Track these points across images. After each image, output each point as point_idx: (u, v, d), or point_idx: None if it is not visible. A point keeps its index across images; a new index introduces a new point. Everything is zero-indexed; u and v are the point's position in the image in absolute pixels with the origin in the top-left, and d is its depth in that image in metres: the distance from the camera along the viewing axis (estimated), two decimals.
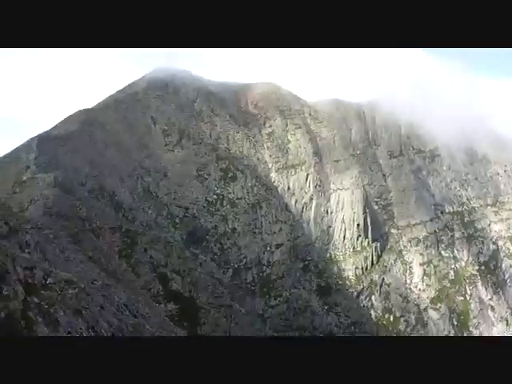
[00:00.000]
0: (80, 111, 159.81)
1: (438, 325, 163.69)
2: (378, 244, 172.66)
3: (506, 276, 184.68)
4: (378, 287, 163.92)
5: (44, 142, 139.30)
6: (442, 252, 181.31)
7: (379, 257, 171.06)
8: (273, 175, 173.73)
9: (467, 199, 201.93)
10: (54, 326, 63.57)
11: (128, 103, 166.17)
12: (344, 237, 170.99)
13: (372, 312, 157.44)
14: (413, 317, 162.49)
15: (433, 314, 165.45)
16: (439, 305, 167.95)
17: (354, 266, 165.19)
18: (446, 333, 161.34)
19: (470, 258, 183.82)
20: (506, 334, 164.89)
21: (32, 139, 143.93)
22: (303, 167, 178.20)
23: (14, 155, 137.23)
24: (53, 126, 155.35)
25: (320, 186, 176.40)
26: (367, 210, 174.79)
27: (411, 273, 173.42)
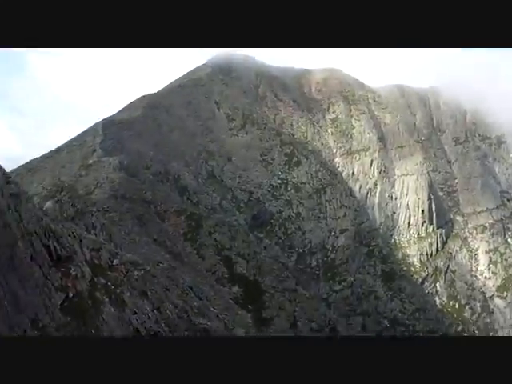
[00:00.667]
0: (144, 96, 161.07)
1: (505, 313, 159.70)
2: (443, 230, 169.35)
3: None
4: (442, 274, 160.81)
5: (109, 126, 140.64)
6: (509, 240, 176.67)
7: (444, 243, 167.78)
8: (337, 160, 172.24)
9: None
10: (121, 306, 63.70)
11: (192, 88, 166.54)
12: (408, 223, 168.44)
13: (437, 299, 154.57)
14: (478, 305, 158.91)
15: (499, 302, 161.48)
16: (506, 293, 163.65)
17: (418, 252, 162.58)
18: None
19: None
20: None
21: (97, 124, 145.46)
22: (367, 153, 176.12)
23: (81, 139, 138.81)
24: (118, 110, 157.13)
25: (384, 171, 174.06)
26: (432, 197, 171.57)
27: (477, 260, 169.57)
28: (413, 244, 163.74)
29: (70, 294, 64.11)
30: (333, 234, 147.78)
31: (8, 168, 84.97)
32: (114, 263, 75.02)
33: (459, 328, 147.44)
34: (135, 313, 68.86)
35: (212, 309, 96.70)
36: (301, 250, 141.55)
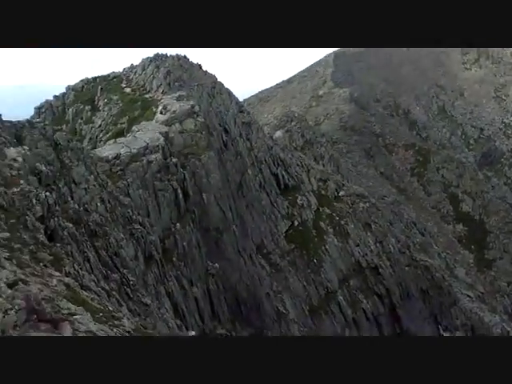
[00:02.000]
0: None
1: None
2: None
3: None
4: None
5: (340, 57, 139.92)
6: None
7: None
8: None
9: None
10: (344, 237, 63.60)
11: None
12: None
13: None
14: None
15: None
16: None
17: None
18: None
19: None
20: None
21: (329, 55, 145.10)
22: None
23: (312, 70, 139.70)
24: None
25: None
26: None
27: None
28: None
29: (296, 223, 65.73)
30: None
31: (240, 97, 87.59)
32: (340, 194, 75.60)
33: None
34: (358, 245, 69.10)
35: (434, 246, 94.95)
36: None
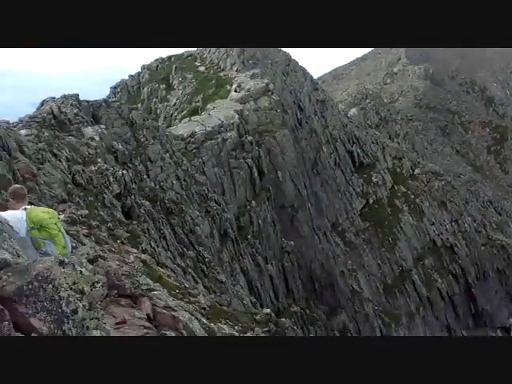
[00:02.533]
0: None
1: None
2: None
3: None
4: None
5: None
6: None
7: None
8: None
9: None
10: (419, 215, 62.37)
11: None
12: None
13: None
14: None
15: None
16: None
17: None
18: None
19: None
20: None
21: None
22: None
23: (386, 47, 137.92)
24: None
25: None
26: None
27: None
28: None
29: (370, 201, 64.88)
30: None
31: (314, 75, 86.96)
32: (415, 172, 74.21)
33: None
34: (433, 223, 67.77)
35: (511, 225, 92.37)
36: None
